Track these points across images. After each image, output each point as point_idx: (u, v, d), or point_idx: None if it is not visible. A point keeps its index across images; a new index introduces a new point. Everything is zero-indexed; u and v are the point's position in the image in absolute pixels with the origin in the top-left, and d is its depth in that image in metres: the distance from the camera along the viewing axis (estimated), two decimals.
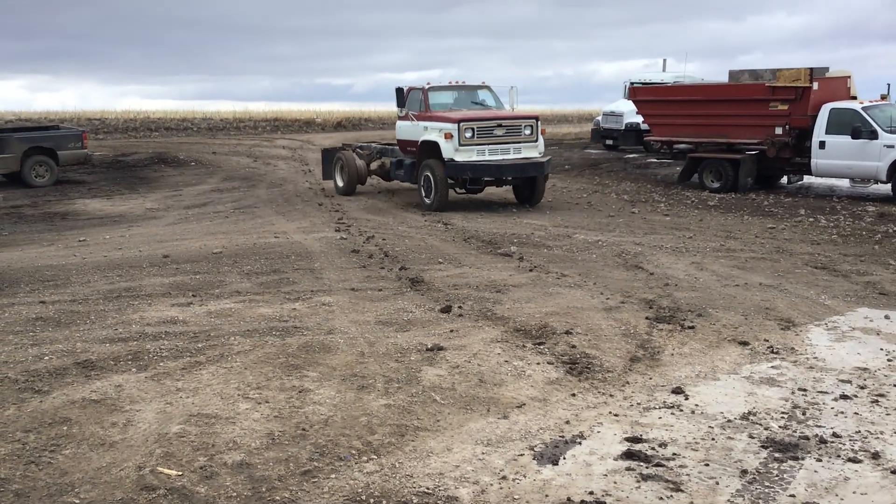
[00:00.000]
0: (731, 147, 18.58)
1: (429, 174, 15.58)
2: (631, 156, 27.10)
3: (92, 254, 11.31)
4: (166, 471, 4.40)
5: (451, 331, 7.09)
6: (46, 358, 6.27)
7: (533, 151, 15.61)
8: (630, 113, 26.63)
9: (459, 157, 15.08)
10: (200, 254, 10.92)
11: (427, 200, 15.73)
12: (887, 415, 5.35)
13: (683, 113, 19.18)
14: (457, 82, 17.02)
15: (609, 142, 29.24)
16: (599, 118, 30.42)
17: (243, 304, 8.09)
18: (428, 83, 16.65)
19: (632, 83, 26.20)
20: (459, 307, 7.91)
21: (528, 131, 15.57)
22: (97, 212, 16.84)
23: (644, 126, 24.00)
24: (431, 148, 15.54)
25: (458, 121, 15.13)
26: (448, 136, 15.09)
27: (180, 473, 4.38)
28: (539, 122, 15.86)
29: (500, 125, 15.42)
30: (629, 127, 27.91)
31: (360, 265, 10.11)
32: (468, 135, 15.07)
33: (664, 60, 32.63)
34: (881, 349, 6.75)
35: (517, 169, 15.41)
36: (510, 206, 16.18)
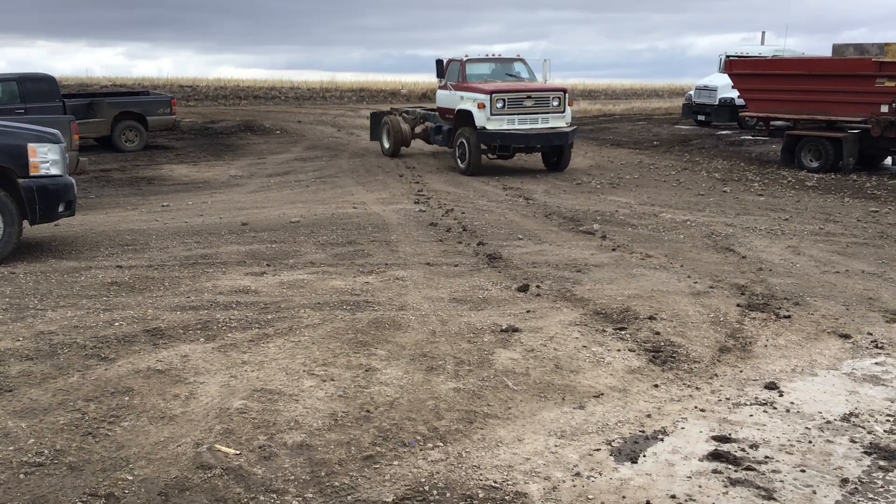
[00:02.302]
0: (831, 125, 17.59)
1: (463, 140, 16.59)
2: (724, 132, 26.10)
3: (173, 219, 11.36)
4: (224, 449, 4.23)
5: (528, 311, 6.76)
6: (117, 324, 6.21)
7: (560, 122, 16.54)
8: (724, 87, 25.63)
9: (491, 126, 16.06)
10: (279, 222, 10.84)
11: (461, 164, 16.76)
12: None
13: (782, 88, 18.24)
14: (493, 55, 18.13)
15: (701, 117, 28.23)
16: (691, 92, 29.39)
17: (316, 275, 7.92)
18: (466, 55, 17.69)
19: (728, 56, 25.12)
20: (537, 286, 7.57)
21: (555, 103, 16.45)
22: (182, 177, 17.03)
23: (739, 101, 23.05)
24: (466, 116, 16.54)
25: (491, 92, 16.06)
26: (481, 106, 16.05)
27: (238, 452, 4.21)
28: (567, 95, 16.71)
29: (529, 97, 16.33)
30: (723, 102, 26.88)
31: (437, 239, 9.85)
32: (499, 105, 16.04)
33: (763, 34, 31.39)
34: None
35: (544, 138, 16.34)
36: (592, 182, 15.68)
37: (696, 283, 7.84)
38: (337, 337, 6.02)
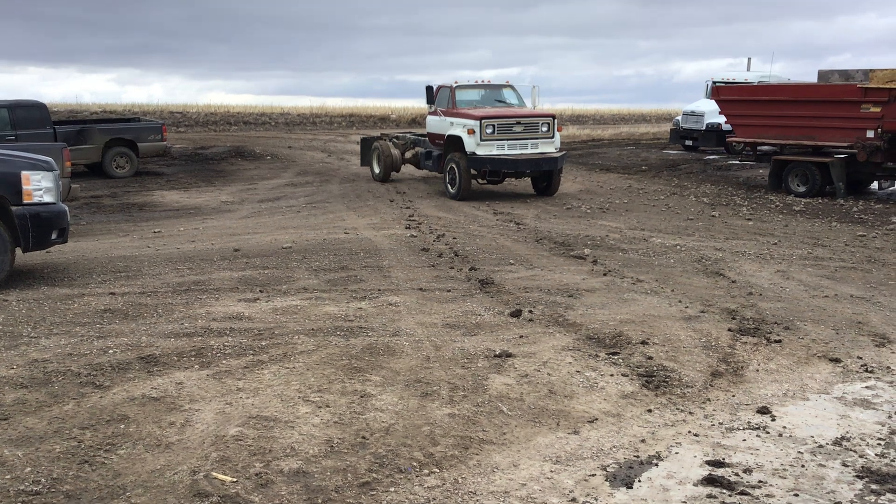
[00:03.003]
0: (818, 150, 17.81)
1: (453, 166, 16.72)
2: (711, 157, 26.34)
3: (165, 245, 11.38)
4: (221, 476, 4.24)
5: (521, 336, 6.80)
6: (111, 351, 6.21)
7: (549, 147, 16.73)
8: (711, 113, 25.89)
9: (481, 151, 16.23)
10: (270, 248, 10.87)
11: (451, 190, 16.90)
12: None
13: (769, 113, 18.46)
14: (482, 81, 18.37)
15: (688, 142, 28.50)
16: (679, 118, 29.66)
17: (309, 301, 7.95)
18: (455, 82, 17.93)
19: (715, 82, 25.41)
20: (530, 311, 7.62)
21: (545, 128, 16.66)
22: (174, 204, 17.06)
23: (726, 126, 23.26)
24: (456, 142, 16.71)
25: (480, 118, 16.26)
26: (471, 132, 16.23)
27: (234, 480, 4.21)
28: (556, 120, 16.92)
29: (518, 122, 16.56)
30: (710, 127, 27.15)
31: (430, 264, 9.89)
32: (489, 131, 16.23)
33: (749, 60, 31.69)
34: None
35: (533, 163, 16.42)
36: (582, 207, 15.78)
37: (687, 307, 7.90)
38: (331, 363, 6.04)
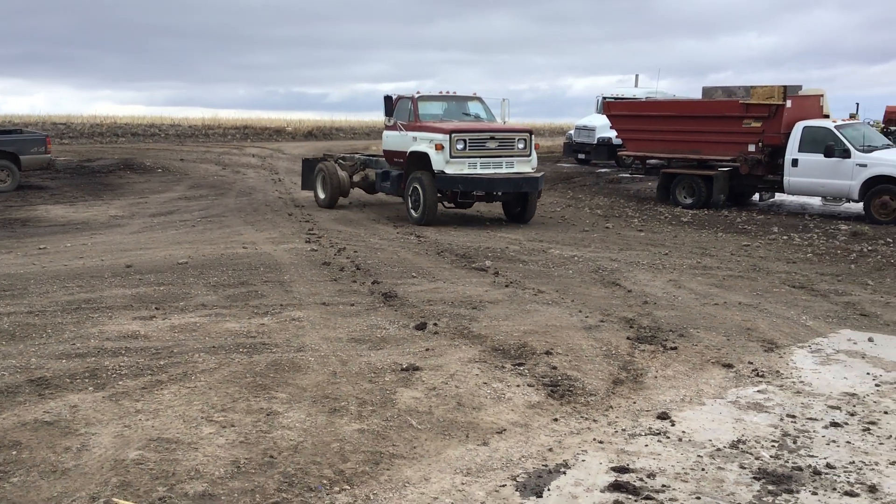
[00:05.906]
0: (703, 163, 18.57)
1: (417, 186, 15.01)
2: (603, 170, 27.10)
3: (52, 262, 10.89)
4: (122, 502, 4.07)
5: (427, 349, 6.81)
6: None
7: (526, 166, 15.17)
8: (602, 127, 26.70)
9: (450, 170, 14.57)
10: (165, 264, 10.54)
11: (414, 214, 15.19)
12: (881, 444, 5.15)
13: (657, 128, 19.15)
14: (447, 92, 16.43)
15: (581, 156, 29.25)
16: (572, 132, 30.43)
17: (209, 318, 7.75)
18: (418, 92, 16.07)
19: (605, 98, 26.20)
20: (435, 324, 7.64)
21: (521, 145, 15.09)
22: (59, 218, 16.35)
23: (616, 141, 24.02)
24: (420, 159, 15.02)
25: (451, 132, 14.62)
26: (439, 148, 14.57)
27: None
28: (533, 137, 15.46)
29: (492, 138, 14.94)
30: (601, 141, 27.97)
31: (332, 278, 9.80)
32: (460, 146, 14.56)
33: (636, 76, 32.89)
34: (867, 373, 6.59)
35: (510, 183, 14.86)
36: (482, 219, 15.96)
37: (587, 317, 8.09)
38: (235, 381, 5.90)
